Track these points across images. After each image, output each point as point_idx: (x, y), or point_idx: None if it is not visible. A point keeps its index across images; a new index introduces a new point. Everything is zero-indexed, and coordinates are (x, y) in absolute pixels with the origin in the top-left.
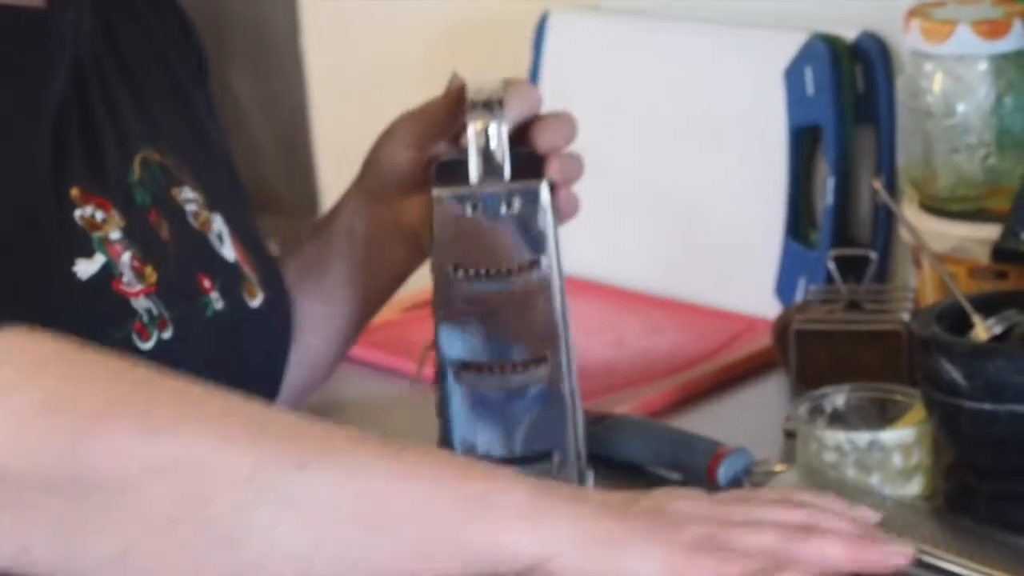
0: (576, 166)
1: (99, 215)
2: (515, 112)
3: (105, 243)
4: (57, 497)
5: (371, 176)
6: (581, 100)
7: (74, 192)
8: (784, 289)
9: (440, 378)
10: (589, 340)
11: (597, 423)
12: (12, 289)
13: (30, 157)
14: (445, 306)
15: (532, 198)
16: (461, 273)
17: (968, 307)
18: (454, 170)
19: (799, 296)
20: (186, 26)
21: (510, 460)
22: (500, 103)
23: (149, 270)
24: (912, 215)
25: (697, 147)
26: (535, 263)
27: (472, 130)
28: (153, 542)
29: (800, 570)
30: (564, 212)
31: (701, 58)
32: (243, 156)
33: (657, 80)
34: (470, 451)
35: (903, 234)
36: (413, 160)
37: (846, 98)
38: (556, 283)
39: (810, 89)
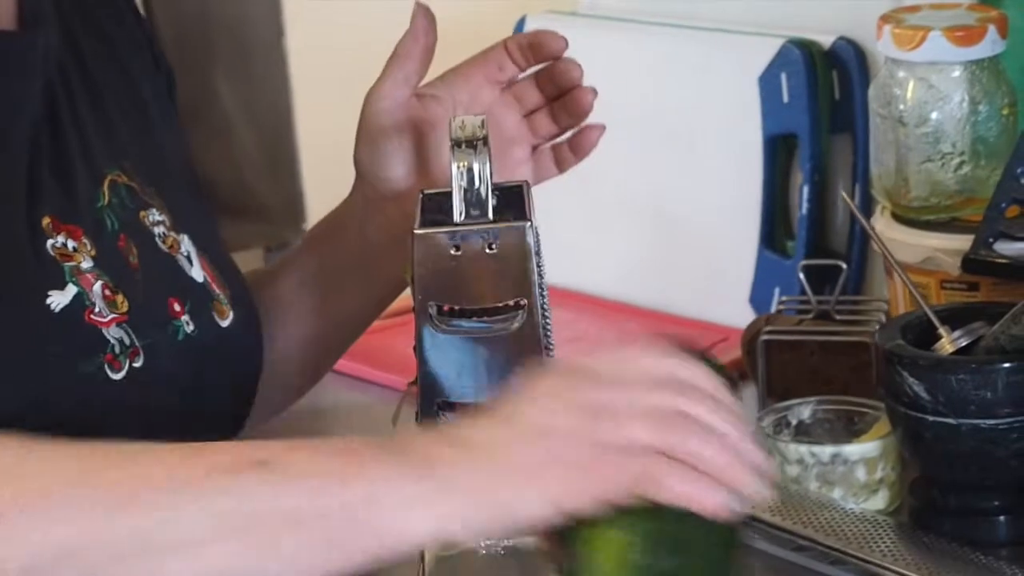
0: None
1: (70, 244)
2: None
3: (76, 273)
4: None
5: (366, 134)
6: None
7: (46, 221)
8: (759, 299)
9: (423, 418)
10: (562, 351)
11: None
12: None
13: (4, 188)
14: (427, 345)
15: (516, 238)
16: (442, 312)
17: (934, 319)
18: (440, 203)
19: (774, 306)
20: (153, 46)
21: None
22: (484, 140)
23: (120, 298)
24: (884, 225)
25: (672, 154)
26: (518, 304)
27: (455, 169)
28: None
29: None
30: (584, 147)
31: (675, 63)
32: (227, 162)
33: (631, 85)
34: None
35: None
36: (406, 100)
37: (822, 105)
38: (540, 324)
39: (785, 96)
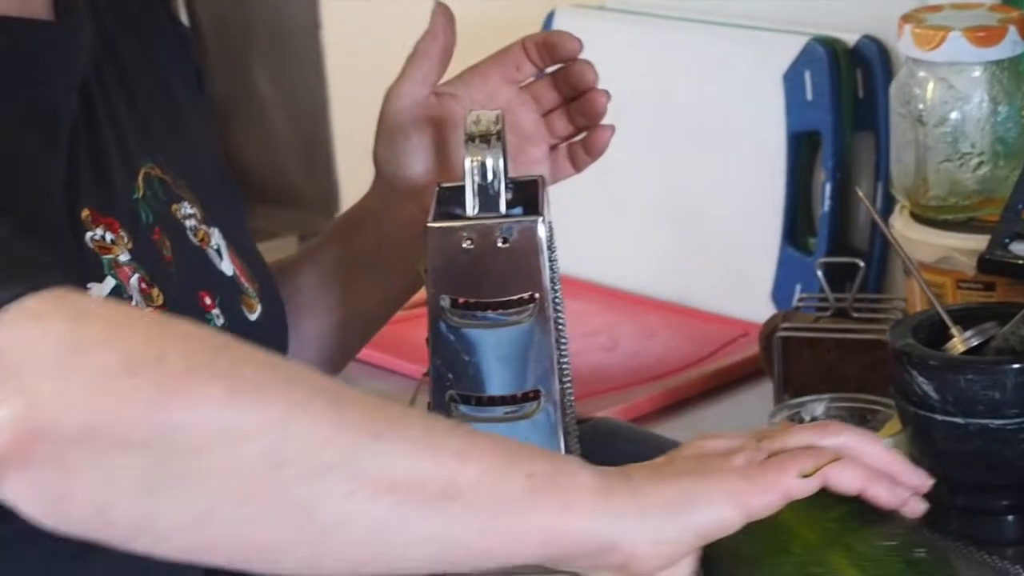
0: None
1: (108, 236)
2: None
3: (115, 266)
4: (139, 455)
5: (385, 131)
6: None
7: (85, 214)
8: (780, 295)
9: (435, 409)
10: (582, 343)
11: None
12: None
13: (47, 181)
14: (439, 337)
15: (528, 232)
16: (455, 305)
17: (946, 318)
18: (456, 197)
19: (795, 303)
20: (185, 40)
21: None
22: (498, 136)
23: (156, 292)
24: (902, 224)
25: (696, 149)
26: (530, 298)
27: (469, 163)
28: (231, 505)
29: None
30: (597, 148)
31: (701, 59)
32: (263, 151)
33: (657, 80)
34: None
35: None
36: (425, 99)
37: (845, 103)
38: (551, 318)
39: (809, 94)
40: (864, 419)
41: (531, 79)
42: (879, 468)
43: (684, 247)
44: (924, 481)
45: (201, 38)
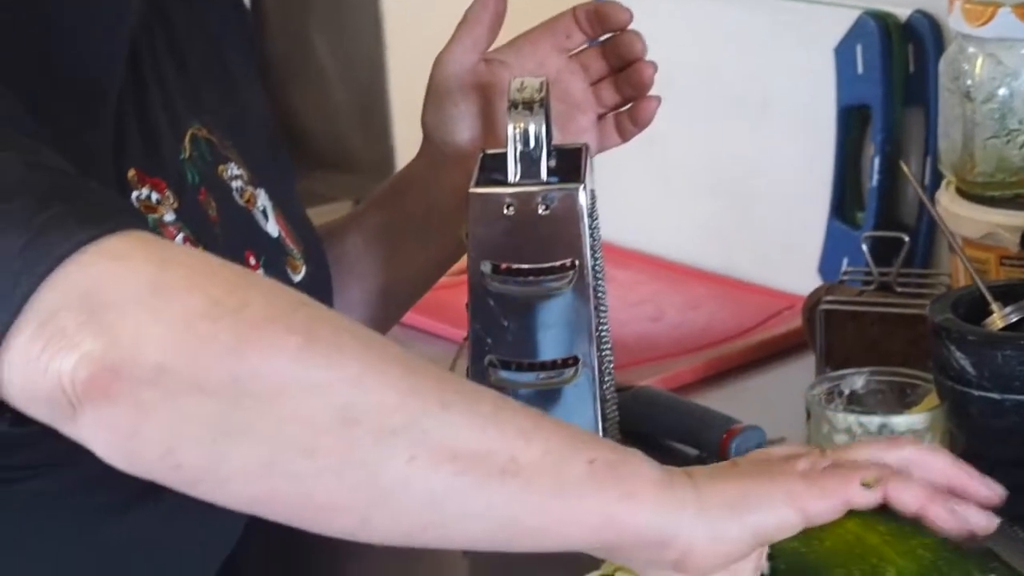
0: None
1: (154, 196)
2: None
3: (160, 225)
4: (211, 400)
5: (434, 97)
6: None
7: (131, 174)
8: (827, 269)
9: (472, 373)
10: (628, 313)
11: (618, 393)
12: None
13: (96, 140)
14: (479, 302)
15: (569, 200)
16: (496, 271)
17: (987, 293)
18: (499, 164)
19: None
20: (238, 7)
21: None
22: (541, 103)
23: (200, 251)
24: (948, 200)
25: (747, 121)
26: (570, 265)
27: (511, 130)
28: (297, 456)
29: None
30: (643, 119)
31: (753, 31)
32: (321, 115)
33: (709, 53)
34: None
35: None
36: (474, 65)
37: (896, 78)
38: (590, 285)
39: (860, 67)
40: (903, 393)
41: (581, 48)
42: (946, 482)
43: (732, 218)
44: (995, 492)
45: (261, 5)
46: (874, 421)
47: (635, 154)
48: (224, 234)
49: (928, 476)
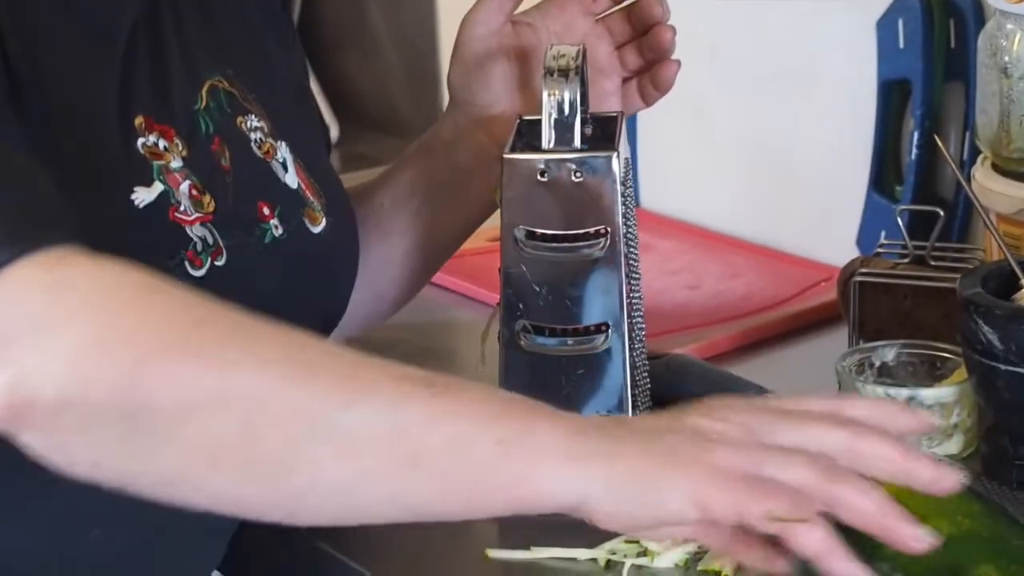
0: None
1: (162, 143)
2: None
3: (165, 172)
4: (114, 428)
5: (459, 58)
6: (678, 42)
7: (139, 120)
8: (865, 241)
9: (504, 338)
10: (666, 281)
11: (652, 361)
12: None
13: (98, 84)
14: (511, 268)
15: (603, 167)
16: (528, 236)
17: (1017, 269)
18: (535, 130)
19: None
20: None
21: None
22: (577, 70)
23: (207, 199)
24: (983, 175)
25: (788, 92)
26: (603, 232)
27: (546, 97)
28: (207, 470)
29: (822, 525)
30: (664, 83)
31: (797, 5)
32: (373, 81)
33: (751, 23)
34: None
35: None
36: (500, 28)
37: (936, 53)
38: (621, 252)
39: (901, 42)
40: (934, 366)
41: (606, 12)
42: (902, 430)
43: (772, 189)
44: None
45: None
46: (902, 393)
47: (679, 124)
48: (235, 183)
49: (886, 428)
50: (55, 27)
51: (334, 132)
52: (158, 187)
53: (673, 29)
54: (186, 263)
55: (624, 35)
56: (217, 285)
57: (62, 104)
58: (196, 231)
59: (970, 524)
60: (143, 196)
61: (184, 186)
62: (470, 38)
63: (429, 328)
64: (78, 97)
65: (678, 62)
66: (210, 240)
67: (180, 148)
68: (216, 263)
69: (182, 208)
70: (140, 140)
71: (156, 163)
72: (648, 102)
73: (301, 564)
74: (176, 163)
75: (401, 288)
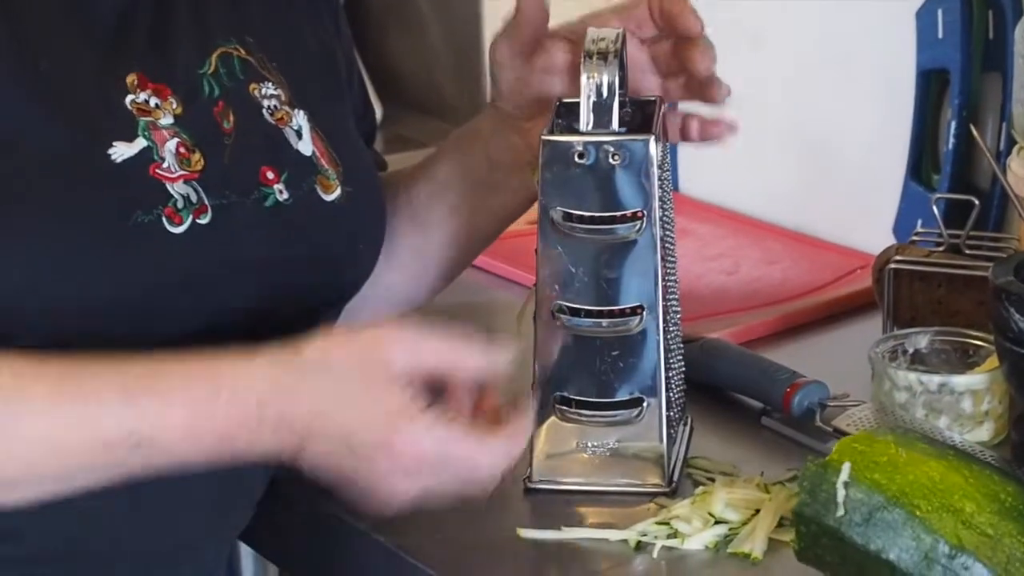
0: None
1: (153, 101)
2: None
3: (152, 128)
4: None
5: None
6: (718, 30)
7: (131, 78)
8: (902, 229)
9: (539, 318)
10: (705, 266)
11: (686, 344)
12: (42, 164)
13: (86, 36)
14: (548, 249)
15: (640, 150)
16: (565, 217)
17: None
18: (573, 112)
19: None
20: None
21: (600, 406)
22: (615, 54)
23: (196, 157)
24: (1019, 164)
25: (827, 80)
26: (638, 215)
27: (584, 79)
28: None
29: None
30: (712, 135)
31: None
32: (418, 63)
33: (790, 12)
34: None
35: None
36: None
37: (975, 43)
38: (657, 235)
39: (940, 32)
40: (967, 354)
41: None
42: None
43: (810, 176)
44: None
45: None
46: (934, 380)
47: (719, 112)
48: (236, 145)
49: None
50: None
51: (378, 113)
52: (140, 143)
53: (727, 88)
54: (163, 219)
55: (671, 68)
56: (199, 242)
57: (42, 61)
58: (178, 188)
59: (1012, 502)
60: (122, 151)
61: (171, 143)
62: (497, 72)
63: (467, 309)
64: (61, 50)
65: (723, 122)
66: (193, 198)
67: (174, 106)
68: (199, 221)
69: (165, 165)
70: (129, 97)
71: (143, 119)
72: (686, 139)
73: (329, 540)
74: (166, 120)
75: (436, 275)
